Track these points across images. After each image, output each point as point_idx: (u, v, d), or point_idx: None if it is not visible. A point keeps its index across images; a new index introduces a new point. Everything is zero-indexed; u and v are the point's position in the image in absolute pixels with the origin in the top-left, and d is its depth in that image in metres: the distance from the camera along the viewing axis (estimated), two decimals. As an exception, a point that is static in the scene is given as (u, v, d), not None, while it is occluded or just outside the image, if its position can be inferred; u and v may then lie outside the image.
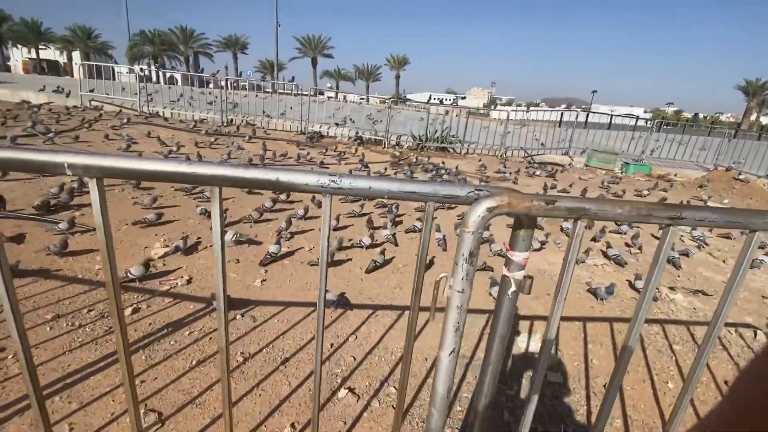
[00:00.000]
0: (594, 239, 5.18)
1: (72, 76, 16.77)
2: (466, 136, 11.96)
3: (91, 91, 12.30)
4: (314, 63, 52.54)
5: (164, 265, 3.53)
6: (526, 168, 9.95)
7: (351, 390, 2.25)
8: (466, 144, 12.07)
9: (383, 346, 2.70)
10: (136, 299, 2.96)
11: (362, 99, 23.83)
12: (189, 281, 3.31)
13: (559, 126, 14.83)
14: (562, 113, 16.28)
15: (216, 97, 12.57)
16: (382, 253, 3.97)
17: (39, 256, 3.38)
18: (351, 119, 13.11)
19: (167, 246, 3.80)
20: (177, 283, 3.26)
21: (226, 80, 13.28)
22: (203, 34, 48.03)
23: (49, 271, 3.18)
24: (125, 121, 9.81)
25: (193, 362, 2.37)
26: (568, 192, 7.77)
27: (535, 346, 2.84)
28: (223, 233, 0.94)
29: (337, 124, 12.46)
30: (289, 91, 15.94)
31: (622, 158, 11.52)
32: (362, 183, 0.86)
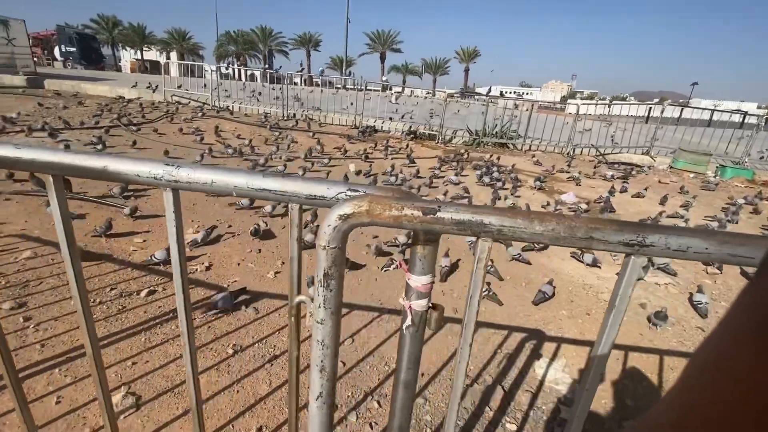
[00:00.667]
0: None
1: (169, 74, 18.89)
2: (529, 131, 11.09)
3: (179, 87, 13.58)
4: (383, 58, 52.94)
5: (191, 250, 3.67)
6: (594, 168, 8.92)
7: (329, 399, 2.10)
8: (528, 140, 11.20)
9: (379, 354, 2.51)
10: (156, 281, 3.11)
11: (428, 93, 23.36)
12: (208, 268, 3.40)
13: (646, 123, 13.13)
14: (650, 108, 14.40)
15: (281, 92, 13.15)
16: (402, 252, 3.75)
17: (87, 236, 3.72)
18: (410, 115, 12.85)
19: (197, 232, 3.97)
20: (196, 269, 3.37)
21: (287, 75, 13.78)
22: (280, 33, 51.08)
23: (90, 252, 3.47)
24: (199, 115, 10.65)
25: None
26: (643, 195, 6.79)
27: (555, 374, 2.44)
28: (70, 227, 0.82)
29: (390, 119, 12.32)
30: (354, 87, 16.08)
31: (717, 160, 9.84)
32: (204, 175, 0.69)
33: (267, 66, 47.46)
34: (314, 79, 28.18)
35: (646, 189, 7.19)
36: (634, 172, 8.71)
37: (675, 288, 3.76)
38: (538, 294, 3.29)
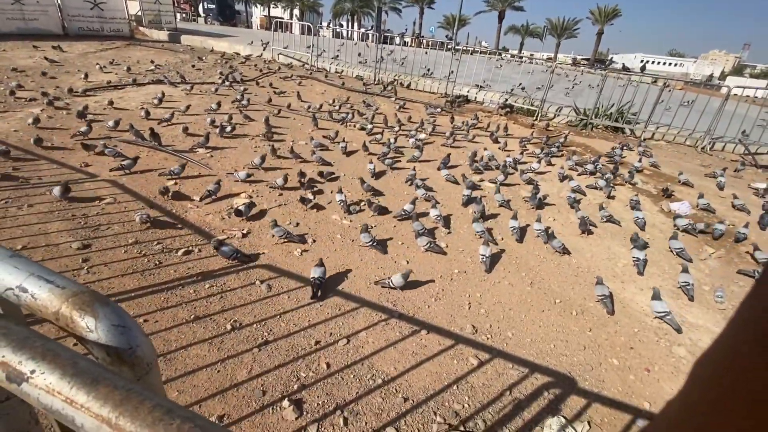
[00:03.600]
0: None
1: (291, 32, 19.98)
2: (654, 115, 9.10)
3: (285, 47, 14.26)
4: (501, 17, 48.27)
5: (241, 221, 3.85)
6: (736, 171, 6.98)
7: (297, 403, 2.02)
8: (653, 125, 9.23)
9: (370, 363, 2.34)
10: (195, 242, 3.33)
11: (549, 59, 20.75)
12: (245, 235, 3.54)
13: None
14: None
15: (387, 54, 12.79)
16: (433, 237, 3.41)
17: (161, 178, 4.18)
18: (519, 86, 11.44)
19: (249, 198, 4.14)
20: (235, 235, 3.53)
21: (377, 35, 13.34)
22: (396, -12, 49.45)
23: (157, 205, 3.86)
24: (290, 76, 11.06)
25: (192, 317, 2.52)
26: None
27: (567, 441, 1.99)
28: None
29: (480, 87, 11.23)
30: (470, 48, 14.97)
31: None
32: None
33: (373, 26, 47.21)
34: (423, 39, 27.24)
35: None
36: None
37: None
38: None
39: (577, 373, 2.45)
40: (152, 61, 10.62)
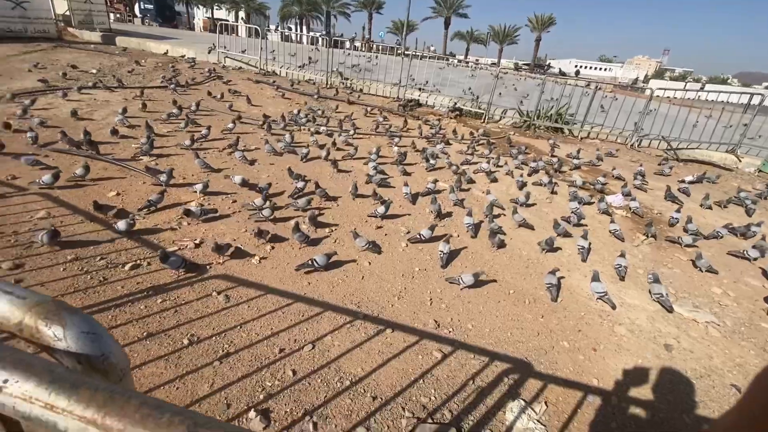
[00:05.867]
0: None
1: (237, 35, 19.27)
2: (588, 116, 9.89)
3: (243, 51, 13.74)
4: (447, 23, 50.05)
5: (188, 224, 3.68)
6: (659, 165, 7.76)
7: (263, 413, 1.98)
8: (588, 125, 10.02)
9: (336, 366, 2.34)
10: (144, 255, 3.14)
11: (493, 64, 21.77)
12: (198, 245, 3.39)
13: (745, 113, 11.13)
14: (751, 95, 12.15)
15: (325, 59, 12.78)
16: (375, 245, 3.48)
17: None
18: (467, 89, 11.89)
19: (201, 205, 3.97)
20: (187, 245, 3.37)
21: (327, 40, 13.35)
22: (344, -7, 49.60)
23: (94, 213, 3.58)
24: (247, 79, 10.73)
25: (144, 334, 2.38)
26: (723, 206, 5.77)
27: (527, 423, 2.11)
28: None
29: (430, 91, 11.60)
30: (418, 54, 15.22)
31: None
32: None
33: (325, 30, 46.94)
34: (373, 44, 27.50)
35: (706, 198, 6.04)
36: (708, 175, 7.43)
37: (717, 330, 3.15)
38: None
39: (533, 357, 2.61)
40: (73, 67, 9.81)
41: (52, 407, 0.34)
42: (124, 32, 16.60)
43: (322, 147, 6.22)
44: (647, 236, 4.61)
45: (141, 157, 4.96)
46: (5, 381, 0.36)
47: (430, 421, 2.06)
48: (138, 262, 3.04)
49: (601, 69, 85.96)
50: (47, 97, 6.95)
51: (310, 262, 3.17)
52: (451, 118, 10.18)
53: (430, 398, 2.21)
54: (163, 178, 4.26)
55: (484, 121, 10.25)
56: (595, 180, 6.18)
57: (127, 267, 2.95)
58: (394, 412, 2.10)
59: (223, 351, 2.34)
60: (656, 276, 3.59)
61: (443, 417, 2.10)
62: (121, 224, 3.32)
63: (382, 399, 2.17)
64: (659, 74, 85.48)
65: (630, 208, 5.35)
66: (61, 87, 7.49)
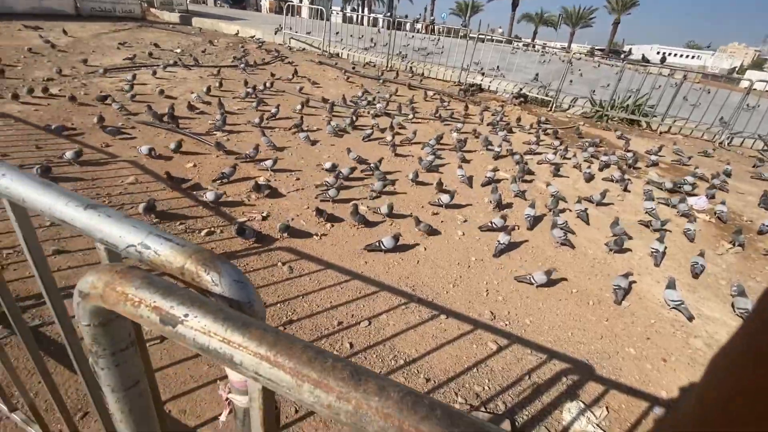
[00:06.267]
0: None
1: (300, 16, 19.74)
2: (671, 109, 8.95)
3: (290, 29, 14.11)
4: (515, 5, 47.24)
5: (257, 198, 3.90)
6: (754, 167, 6.88)
7: (323, 380, 2.08)
8: (670, 119, 9.08)
9: (391, 344, 2.39)
10: (217, 223, 3.39)
11: (563, 48, 20.39)
12: (265, 217, 3.58)
13: None
14: None
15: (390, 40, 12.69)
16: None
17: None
18: (536, 76, 11.31)
19: (268, 180, 4.18)
20: (255, 217, 3.58)
21: (389, 22, 13.13)
22: (408, -27, 48.44)
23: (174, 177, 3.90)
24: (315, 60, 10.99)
25: (218, 295, 2.58)
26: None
27: (586, 426, 2.03)
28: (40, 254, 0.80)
29: (494, 76, 11.10)
30: (483, 36, 14.68)
31: None
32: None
33: (388, 11, 46.33)
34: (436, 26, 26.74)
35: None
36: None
37: None
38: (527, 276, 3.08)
39: (595, 360, 2.49)
40: (157, 45, 10.57)
41: (229, 342, 0.38)
42: (199, 13, 17.59)
43: (383, 130, 6.25)
44: (734, 244, 4.15)
45: (215, 132, 5.30)
46: (186, 315, 0.40)
47: (483, 409, 2.05)
48: (212, 229, 3.28)
49: (687, 56, 77.19)
50: (139, 71, 7.61)
51: (377, 244, 3.23)
52: (515, 104, 9.72)
53: (483, 387, 2.19)
54: (252, 153, 4.62)
55: (550, 110, 9.67)
56: (680, 179, 5.62)
57: (203, 233, 3.20)
58: (447, 397, 2.11)
59: (287, 318, 2.48)
60: (742, 288, 3.23)
61: (496, 407, 2.08)
62: (210, 194, 3.60)
63: (435, 382, 2.19)
64: (758, 64, 74.67)
65: (714, 212, 4.84)
66: (147, 65, 8.17)
